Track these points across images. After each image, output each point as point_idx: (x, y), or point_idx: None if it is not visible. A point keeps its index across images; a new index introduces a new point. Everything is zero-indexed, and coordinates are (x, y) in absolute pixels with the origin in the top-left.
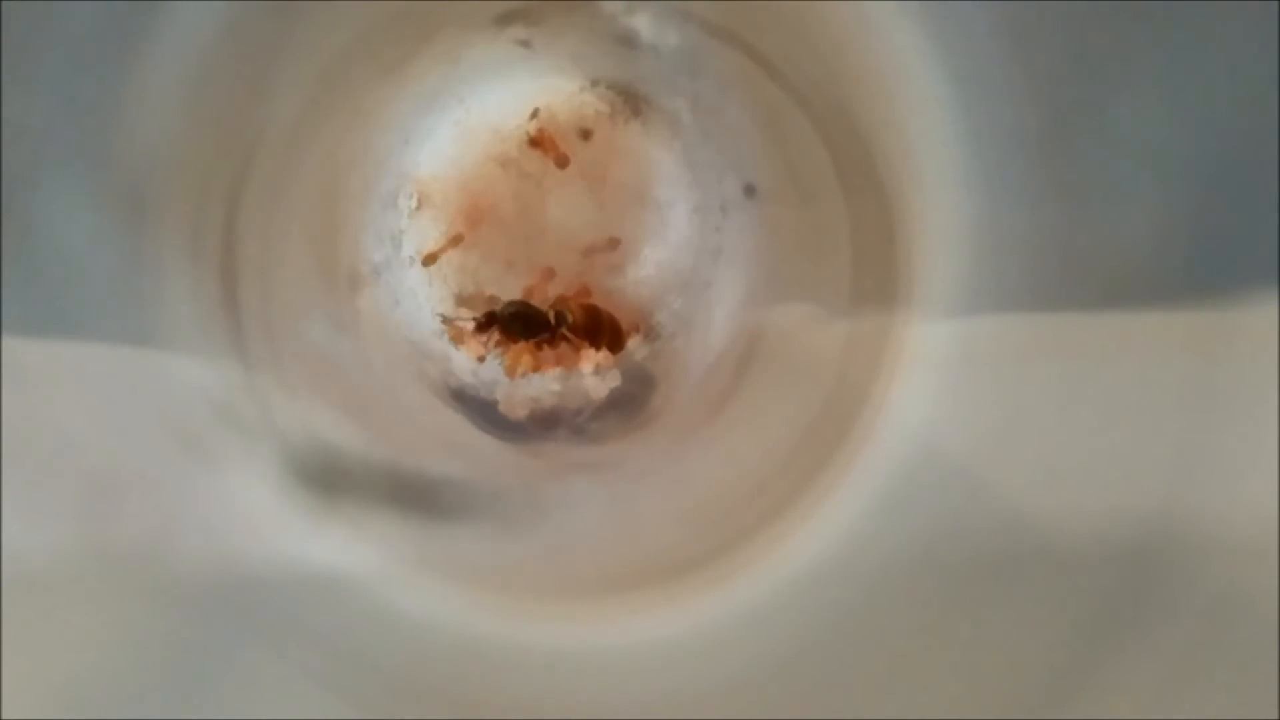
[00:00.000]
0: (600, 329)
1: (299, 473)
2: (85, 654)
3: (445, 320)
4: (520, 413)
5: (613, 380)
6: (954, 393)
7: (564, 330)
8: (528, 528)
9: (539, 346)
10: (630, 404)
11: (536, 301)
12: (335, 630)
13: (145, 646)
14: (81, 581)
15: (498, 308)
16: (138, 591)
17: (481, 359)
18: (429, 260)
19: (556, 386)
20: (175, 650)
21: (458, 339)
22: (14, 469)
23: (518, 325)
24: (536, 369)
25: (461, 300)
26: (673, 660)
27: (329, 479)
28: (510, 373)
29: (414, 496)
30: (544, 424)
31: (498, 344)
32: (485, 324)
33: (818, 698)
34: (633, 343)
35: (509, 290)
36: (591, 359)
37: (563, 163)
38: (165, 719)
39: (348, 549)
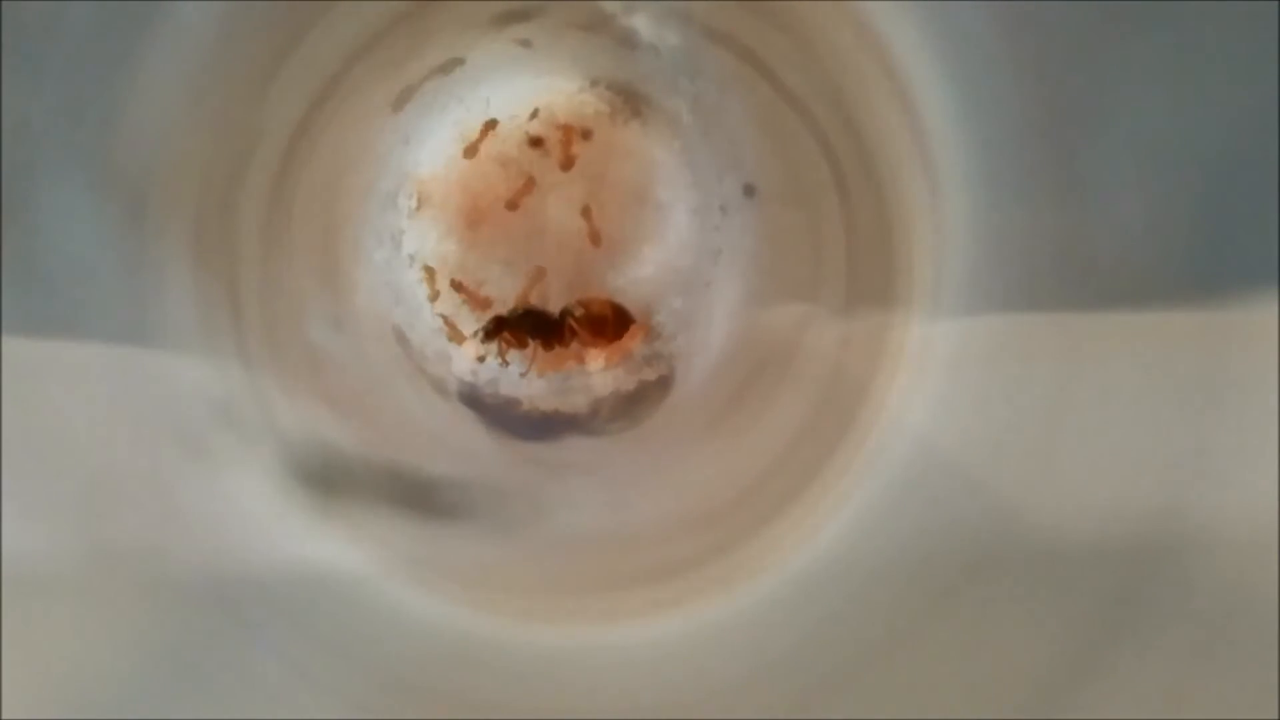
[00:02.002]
0: (606, 320)
1: (299, 473)
2: (85, 654)
3: (446, 320)
4: (524, 413)
5: (618, 377)
6: (954, 392)
7: (571, 324)
8: (528, 528)
9: (549, 346)
10: (631, 404)
11: (536, 301)
12: (335, 630)
13: (145, 646)
14: (81, 581)
15: (503, 312)
16: (138, 591)
17: (481, 359)
18: (457, 286)
19: (560, 386)
20: (175, 650)
21: (457, 339)
22: (14, 469)
23: (527, 326)
24: (554, 368)
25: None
26: (673, 660)
27: (329, 479)
28: (540, 370)
29: (414, 496)
30: (546, 424)
31: (509, 347)
32: (494, 330)
33: (817, 697)
34: (634, 342)
35: (508, 291)
36: (598, 357)
37: (569, 164)
38: (165, 719)
39: (348, 549)
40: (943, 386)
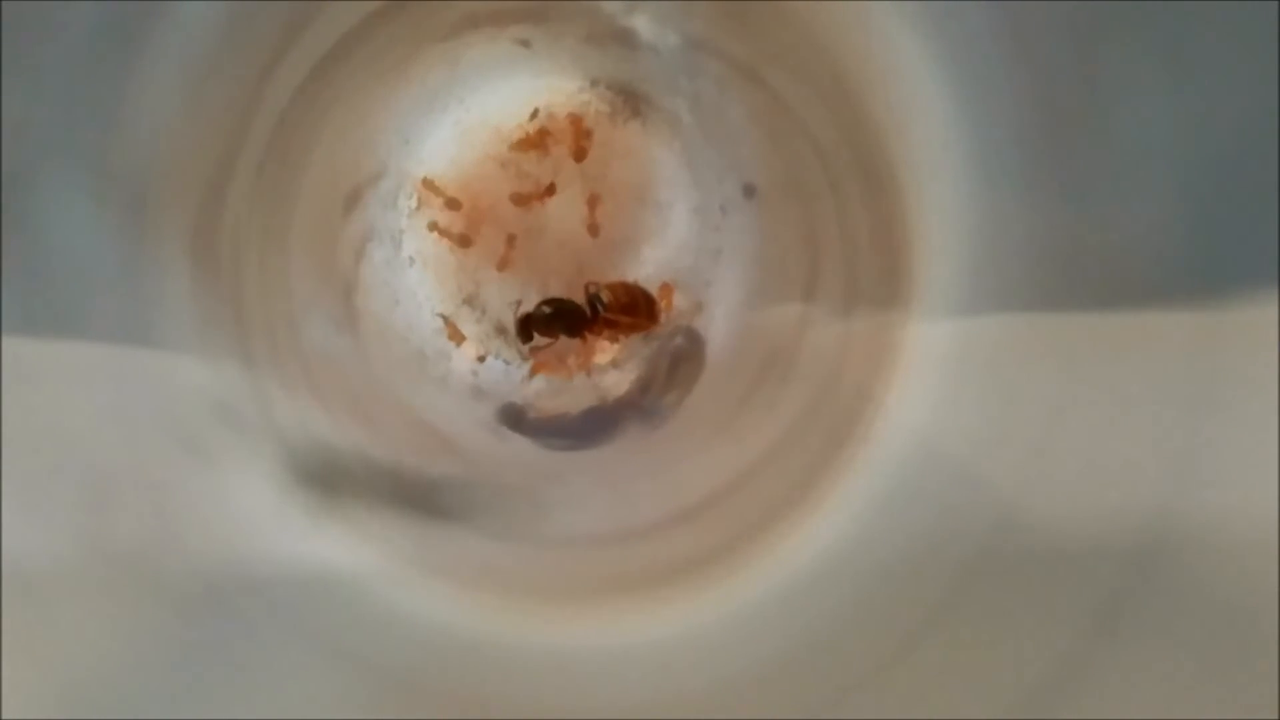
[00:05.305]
0: (637, 302)
1: (299, 473)
2: (85, 654)
3: (446, 320)
4: (531, 413)
5: (630, 373)
6: (954, 393)
7: (604, 314)
8: (528, 528)
9: (584, 337)
10: (674, 375)
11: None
12: (335, 630)
13: (145, 646)
14: (81, 581)
15: (531, 310)
16: (138, 591)
17: (481, 359)
18: (432, 228)
19: (559, 386)
20: (175, 650)
21: (457, 339)
22: (14, 469)
23: (559, 324)
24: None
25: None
26: (673, 660)
27: (329, 479)
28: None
29: (414, 496)
30: (549, 423)
31: (544, 345)
32: (526, 334)
33: (817, 697)
34: (636, 341)
35: (507, 290)
36: (607, 351)
37: (581, 155)
38: (165, 719)
39: (348, 549)
40: (943, 386)
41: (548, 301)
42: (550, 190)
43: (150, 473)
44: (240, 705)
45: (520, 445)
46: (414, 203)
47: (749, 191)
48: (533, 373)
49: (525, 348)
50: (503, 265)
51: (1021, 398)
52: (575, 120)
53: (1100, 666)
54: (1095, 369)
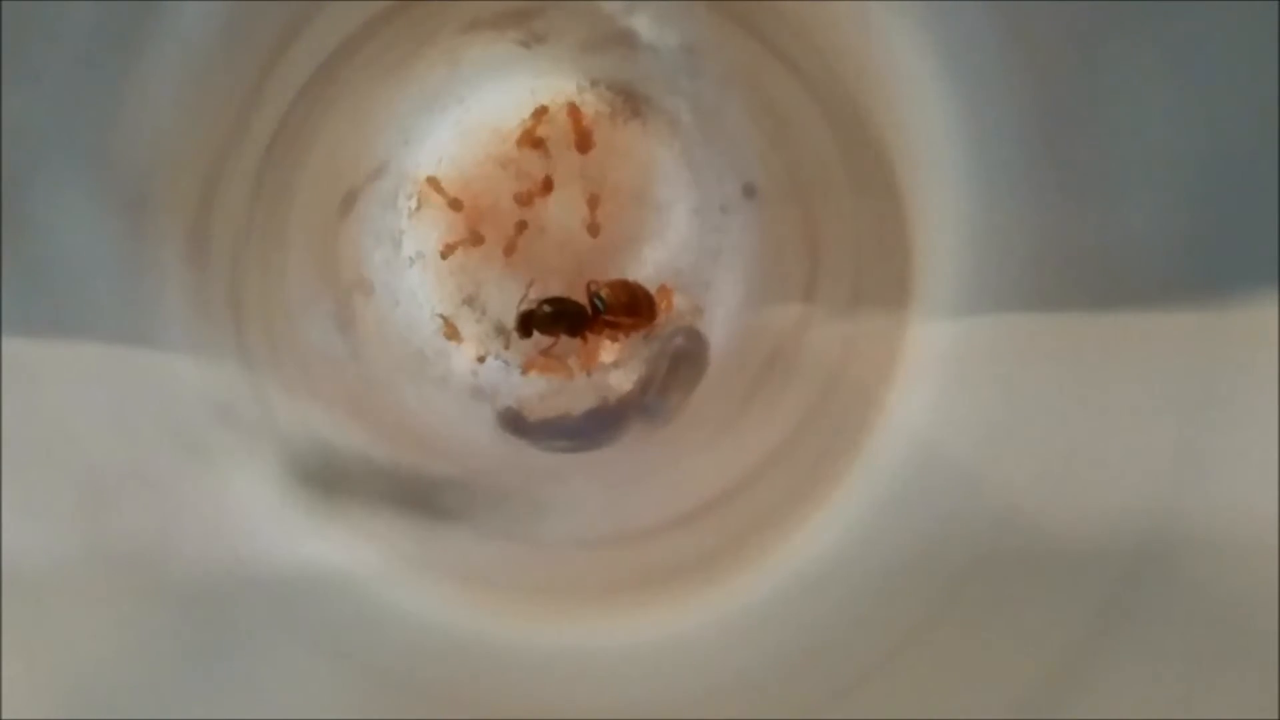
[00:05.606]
0: (638, 301)
1: (299, 473)
2: (85, 654)
3: (446, 320)
4: (531, 415)
5: (631, 373)
6: (954, 393)
7: (604, 315)
8: (528, 528)
9: (584, 338)
10: (673, 374)
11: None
12: (334, 630)
13: (145, 646)
14: (81, 581)
15: (534, 307)
16: (138, 591)
17: (481, 359)
18: (446, 252)
19: (559, 385)
20: (175, 650)
21: (455, 338)
22: (14, 469)
23: (562, 324)
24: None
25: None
26: (673, 660)
27: (329, 479)
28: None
29: (414, 496)
30: (549, 425)
31: (544, 345)
32: (526, 330)
33: (818, 698)
34: (637, 341)
35: (508, 290)
36: (611, 350)
37: (586, 146)
38: (165, 719)
39: (348, 549)
40: (943, 386)
41: (549, 300)
42: (548, 185)
43: (150, 473)
44: (240, 705)
45: (520, 445)
46: (414, 203)
47: (749, 191)
48: (525, 370)
49: (524, 343)
50: (509, 250)
51: (1022, 398)
52: (574, 111)
53: (1100, 666)
54: (1095, 369)
